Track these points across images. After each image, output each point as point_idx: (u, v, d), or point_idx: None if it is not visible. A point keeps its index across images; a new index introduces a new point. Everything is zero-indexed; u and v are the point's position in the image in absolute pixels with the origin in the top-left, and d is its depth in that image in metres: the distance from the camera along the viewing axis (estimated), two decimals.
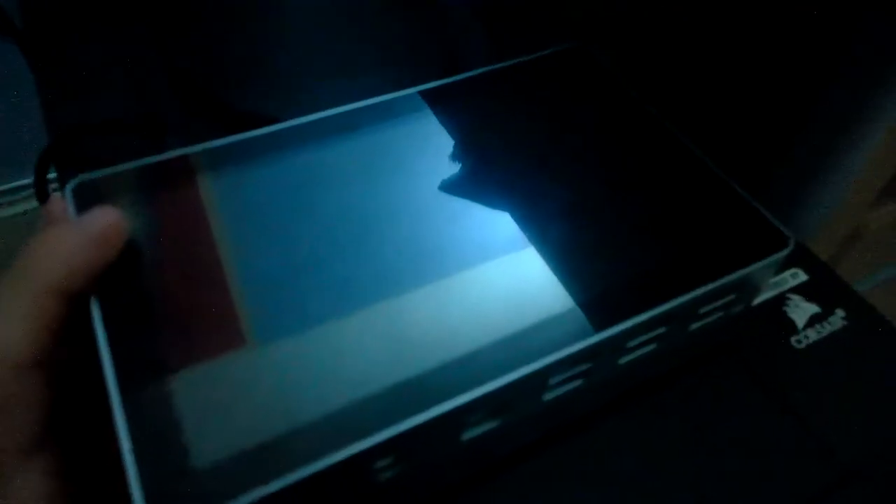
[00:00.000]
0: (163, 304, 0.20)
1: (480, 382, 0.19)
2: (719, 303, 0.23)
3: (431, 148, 0.25)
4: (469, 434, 0.21)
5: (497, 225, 0.23)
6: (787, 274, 0.29)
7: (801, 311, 0.28)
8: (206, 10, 0.38)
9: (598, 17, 0.37)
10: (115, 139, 0.33)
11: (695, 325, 0.24)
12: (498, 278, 0.22)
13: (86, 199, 0.21)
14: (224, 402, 0.18)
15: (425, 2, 0.39)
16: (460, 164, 0.25)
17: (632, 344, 0.22)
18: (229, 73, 0.34)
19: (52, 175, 0.36)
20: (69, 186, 0.22)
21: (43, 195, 0.34)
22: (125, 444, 0.17)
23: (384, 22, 0.37)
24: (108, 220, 0.19)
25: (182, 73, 0.35)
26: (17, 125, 0.67)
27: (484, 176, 0.25)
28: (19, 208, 0.82)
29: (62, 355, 0.18)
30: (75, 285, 0.18)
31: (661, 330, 0.22)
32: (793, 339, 0.27)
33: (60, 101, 0.35)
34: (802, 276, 0.30)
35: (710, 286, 0.22)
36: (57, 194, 0.22)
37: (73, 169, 0.23)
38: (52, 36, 0.37)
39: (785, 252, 0.23)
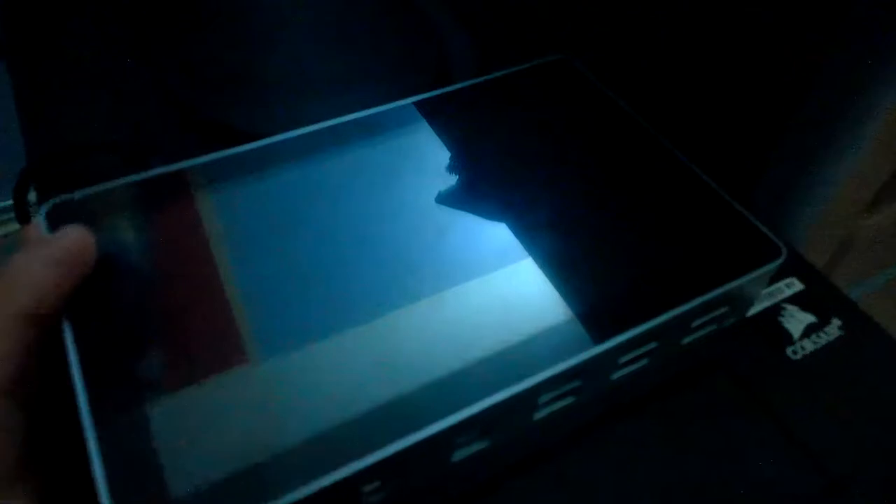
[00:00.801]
0: (136, 325, 0.19)
1: (469, 402, 0.18)
2: (711, 315, 0.23)
3: (419, 159, 0.25)
4: (459, 455, 0.20)
5: (485, 239, 0.23)
6: (782, 284, 0.29)
7: (796, 321, 0.28)
8: (194, 26, 0.37)
9: (583, 28, 0.37)
10: (99, 159, 0.32)
11: (687, 339, 0.23)
12: (486, 295, 0.21)
13: (61, 222, 0.21)
14: (201, 426, 0.17)
15: (414, 15, 0.39)
16: (447, 176, 0.25)
17: (623, 360, 0.22)
18: (217, 89, 0.34)
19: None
20: (43, 209, 0.21)
21: (23, 217, 0.34)
22: (97, 470, 0.16)
23: (374, 35, 0.37)
24: (74, 238, 0.19)
25: (169, 89, 0.34)
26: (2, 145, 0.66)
27: (470, 188, 0.24)
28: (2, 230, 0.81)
29: (38, 379, 0.18)
30: (46, 307, 0.18)
31: (652, 345, 0.22)
32: (789, 350, 0.27)
33: (41, 119, 0.34)
34: (798, 286, 0.29)
35: (701, 299, 0.21)
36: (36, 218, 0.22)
37: (53, 191, 0.23)
38: (34, 52, 0.37)
39: (777, 262, 0.23)
